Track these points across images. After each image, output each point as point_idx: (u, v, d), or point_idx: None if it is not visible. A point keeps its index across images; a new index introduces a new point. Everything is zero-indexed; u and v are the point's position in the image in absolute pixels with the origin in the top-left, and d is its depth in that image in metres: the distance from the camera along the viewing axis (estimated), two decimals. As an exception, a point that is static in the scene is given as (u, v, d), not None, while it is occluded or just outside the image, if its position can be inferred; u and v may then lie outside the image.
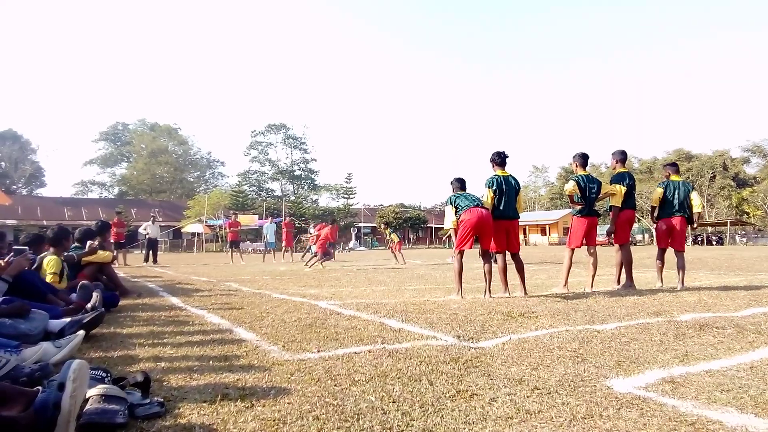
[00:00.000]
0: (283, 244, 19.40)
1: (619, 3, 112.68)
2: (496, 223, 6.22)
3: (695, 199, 7.22)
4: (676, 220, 7.14)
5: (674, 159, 64.29)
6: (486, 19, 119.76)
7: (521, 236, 15.95)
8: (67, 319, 3.71)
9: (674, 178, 7.32)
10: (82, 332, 3.35)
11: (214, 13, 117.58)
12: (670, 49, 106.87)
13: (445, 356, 3.09)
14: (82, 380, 2.03)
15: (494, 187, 6.26)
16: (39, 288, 4.49)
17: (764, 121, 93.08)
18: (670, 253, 7.29)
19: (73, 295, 4.95)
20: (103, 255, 6.43)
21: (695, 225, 7.42)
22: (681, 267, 7.05)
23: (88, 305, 4.34)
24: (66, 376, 1.96)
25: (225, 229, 23.93)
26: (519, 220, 6.56)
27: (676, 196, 7.15)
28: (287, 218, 21.60)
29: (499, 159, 6.43)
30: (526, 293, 6.22)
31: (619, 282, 7.12)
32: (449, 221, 6.31)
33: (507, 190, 6.27)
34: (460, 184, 6.60)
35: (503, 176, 6.33)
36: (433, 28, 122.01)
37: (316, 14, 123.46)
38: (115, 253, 7.00)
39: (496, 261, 6.38)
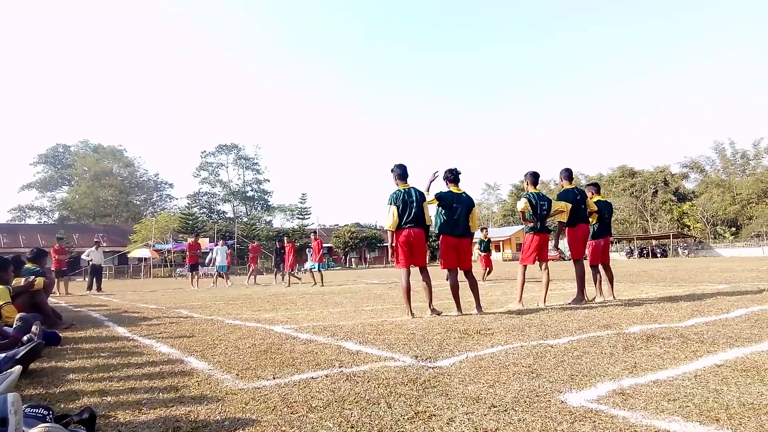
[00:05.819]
0: (250, 268, 19.12)
1: (574, 24, 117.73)
2: (446, 239, 6.30)
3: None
4: (608, 240, 7.81)
5: (618, 175, 67.36)
6: (440, 40, 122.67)
7: (477, 253, 16.15)
8: (1, 355, 3.49)
9: (599, 198, 7.85)
10: (18, 367, 3.14)
11: (159, 32, 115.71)
12: (615, 72, 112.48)
13: (403, 377, 3.08)
14: (20, 413, 1.92)
15: (443, 203, 6.29)
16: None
17: (699, 138, 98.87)
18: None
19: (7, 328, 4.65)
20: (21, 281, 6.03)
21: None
22: (611, 279, 7.74)
23: (25, 338, 4.10)
24: (6, 410, 1.85)
25: (185, 251, 23.05)
26: (471, 238, 6.59)
27: (606, 216, 7.72)
28: (255, 242, 21.45)
29: (452, 176, 6.48)
30: (480, 311, 6.28)
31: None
32: (389, 222, 6.17)
33: (458, 207, 6.29)
34: (401, 171, 6.37)
35: (457, 193, 6.39)
36: (388, 47, 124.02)
37: (263, 33, 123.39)
38: (49, 280, 6.59)
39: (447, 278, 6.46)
